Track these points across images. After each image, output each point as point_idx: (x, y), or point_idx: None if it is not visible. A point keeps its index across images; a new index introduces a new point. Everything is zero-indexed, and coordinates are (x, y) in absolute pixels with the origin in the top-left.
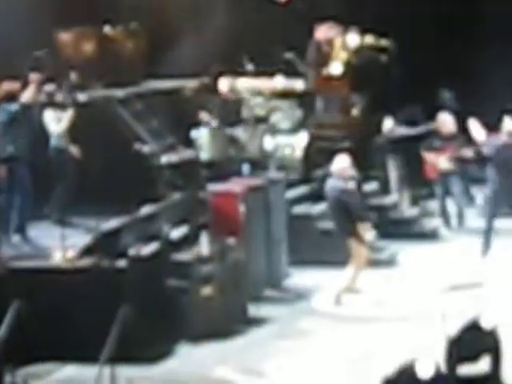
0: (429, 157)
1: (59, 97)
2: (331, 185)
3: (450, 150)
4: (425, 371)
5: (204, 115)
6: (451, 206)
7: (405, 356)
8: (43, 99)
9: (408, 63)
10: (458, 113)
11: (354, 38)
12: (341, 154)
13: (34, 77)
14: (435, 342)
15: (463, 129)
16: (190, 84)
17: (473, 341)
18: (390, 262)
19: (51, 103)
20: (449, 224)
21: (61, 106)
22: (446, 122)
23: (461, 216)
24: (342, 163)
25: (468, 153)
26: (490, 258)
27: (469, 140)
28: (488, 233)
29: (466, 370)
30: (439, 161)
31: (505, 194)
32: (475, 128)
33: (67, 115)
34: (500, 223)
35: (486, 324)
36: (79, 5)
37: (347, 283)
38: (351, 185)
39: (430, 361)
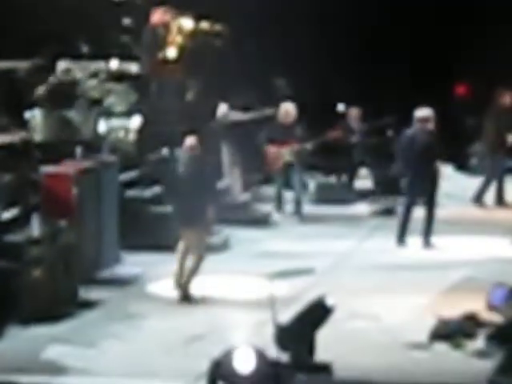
0: (272, 150)
1: None
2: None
3: (291, 141)
4: (244, 362)
5: (39, 96)
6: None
7: (236, 341)
8: None
9: (243, 49)
10: (291, 100)
11: (189, 23)
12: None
13: None
14: (265, 327)
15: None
16: (24, 65)
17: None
18: (222, 247)
19: None
20: (282, 210)
21: None
22: (288, 111)
23: (298, 204)
24: (192, 141)
25: (309, 146)
26: (323, 244)
27: (306, 129)
28: (404, 221)
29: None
30: (283, 153)
31: (419, 182)
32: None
33: None
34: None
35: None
36: None
37: (192, 274)
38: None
39: (250, 350)
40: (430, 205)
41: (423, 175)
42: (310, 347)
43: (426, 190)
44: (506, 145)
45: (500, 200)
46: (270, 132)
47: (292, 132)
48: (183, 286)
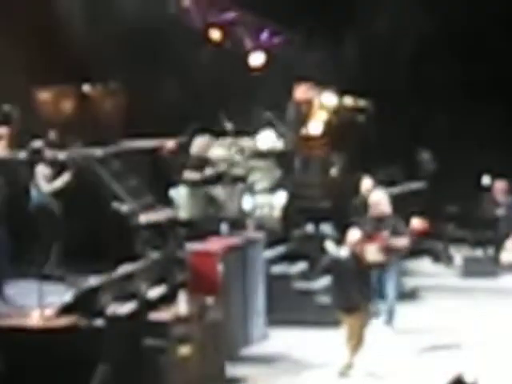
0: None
1: (48, 153)
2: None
3: (380, 236)
4: None
5: (184, 174)
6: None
7: None
8: (27, 155)
9: (386, 123)
10: (434, 173)
11: (331, 98)
12: (353, 228)
13: (2, 131)
14: None
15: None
16: (168, 143)
17: None
18: None
19: (41, 159)
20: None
21: (51, 163)
22: (378, 200)
23: (391, 314)
24: (355, 235)
25: (402, 242)
26: (472, 319)
27: (406, 220)
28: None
29: None
30: (367, 251)
31: None
32: None
33: (66, 175)
34: None
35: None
36: (57, 63)
37: (354, 352)
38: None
39: None
40: None
41: None
42: None
43: None
44: None
45: None
46: (359, 223)
47: (382, 225)
48: (344, 366)
